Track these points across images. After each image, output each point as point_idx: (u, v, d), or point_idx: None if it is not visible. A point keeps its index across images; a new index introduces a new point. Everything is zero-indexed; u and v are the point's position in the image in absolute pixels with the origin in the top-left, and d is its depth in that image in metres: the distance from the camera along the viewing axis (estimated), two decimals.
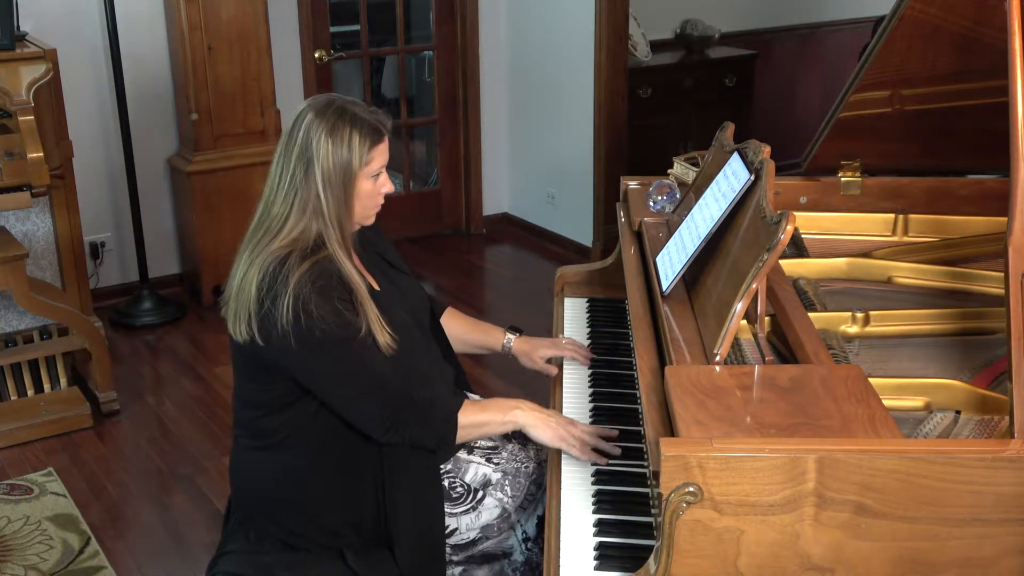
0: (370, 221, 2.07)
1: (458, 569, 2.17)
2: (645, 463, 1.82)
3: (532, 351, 2.36)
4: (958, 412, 1.76)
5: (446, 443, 2.03)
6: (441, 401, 2.04)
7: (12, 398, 3.66)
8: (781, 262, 2.21)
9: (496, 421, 2.03)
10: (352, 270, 1.96)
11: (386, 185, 2.03)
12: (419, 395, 2.01)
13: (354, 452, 2.02)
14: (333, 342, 1.90)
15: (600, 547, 1.70)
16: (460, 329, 2.40)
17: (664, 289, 2.00)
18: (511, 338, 2.39)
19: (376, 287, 2.08)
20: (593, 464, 1.93)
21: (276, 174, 1.98)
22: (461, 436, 2.02)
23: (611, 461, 1.93)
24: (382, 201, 2.06)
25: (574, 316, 2.57)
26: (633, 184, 2.65)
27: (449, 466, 2.14)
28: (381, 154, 1.99)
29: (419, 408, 1.99)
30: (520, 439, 2.26)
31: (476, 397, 2.39)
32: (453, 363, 2.34)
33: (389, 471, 2.03)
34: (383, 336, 1.96)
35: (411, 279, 2.26)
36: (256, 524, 2.09)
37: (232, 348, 2.05)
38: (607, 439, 1.96)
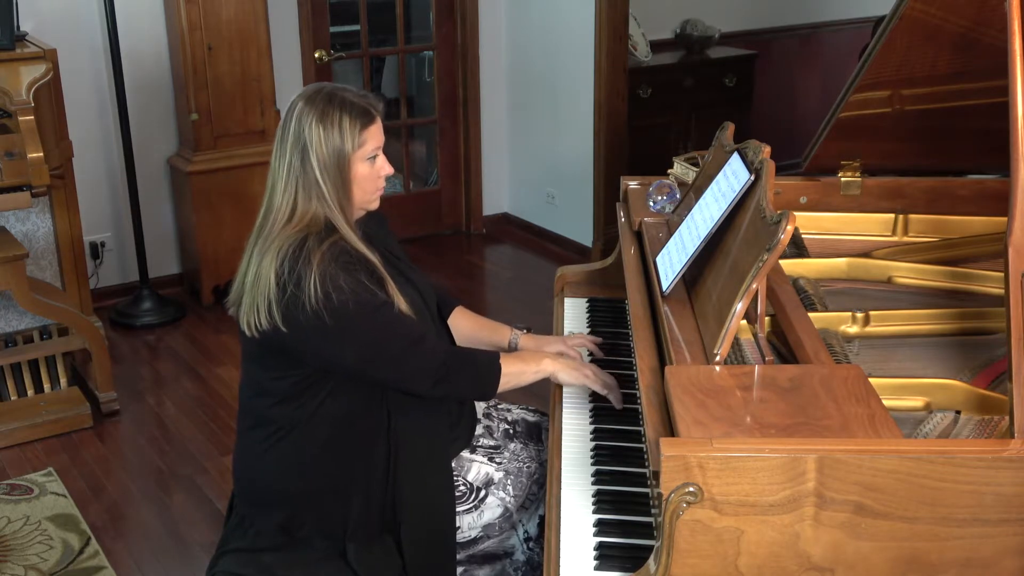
0: (374, 205, 2.08)
1: (459, 568, 2.17)
2: (645, 463, 1.82)
3: (538, 348, 2.36)
4: (958, 412, 1.76)
5: (490, 391, 2.09)
6: (481, 352, 2.12)
7: (12, 398, 3.66)
8: (781, 262, 2.21)
9: (530, 370, 2.12)
10: (364, 248, 1.99)
11: (385, 167, 2.04)
12: (459, 350, 2.10)
13: (364, 441, 2.03)
14: (370, 310, 1.93)
15: (600, 547, 1.70)
16: (468, 328, 2.41)
17: (664, 289, 2.00)
18: (517, 335, 2.39)
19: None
20: (593, 464, 1.93)
21: (275, 166, 2.01)
22: (503, 384, 2.08)
23: (611, 462, 1.93)
24: (383, 184, 2.07)
25: (574, 316, 2.57)
26: (633, 184, 2.65)
27: (452, 464, 2.15)
28: (374, 136, 2.00)
29: (463, 357, 2.07)
30: (522, 439, 2.26)
31: None
32: None
33: (398, 460, 2.04)
34: (403, 305, 1.99)
35: (422, 274, 2.27)
36: (258, 521, 2.09)
37: (243, 340, 2.05)
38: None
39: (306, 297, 1.88)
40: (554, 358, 2.14)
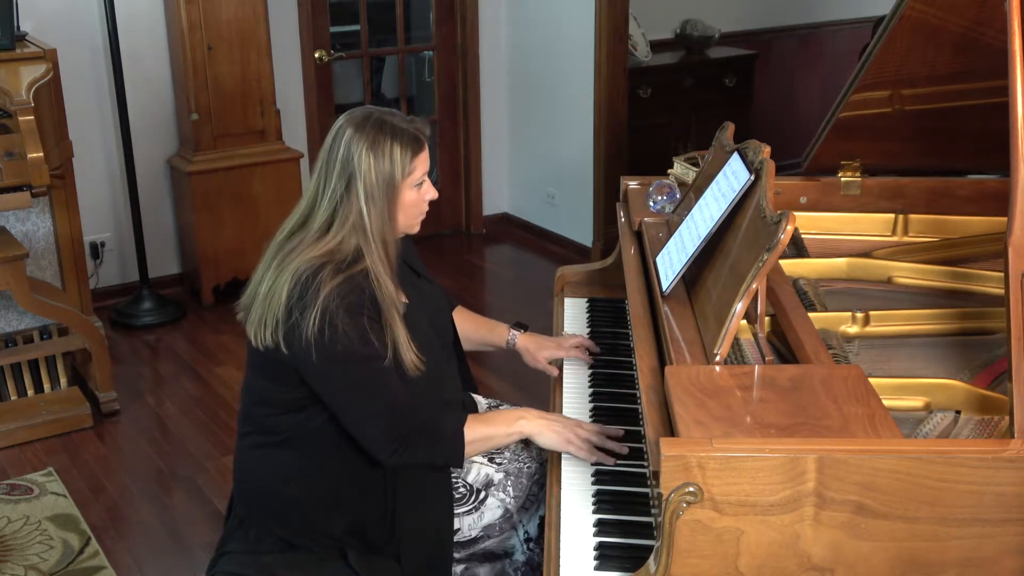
0: (415, 230, 2.07)
1: (460, 567, 2.17)
2: (645, 463, 1.82)
3: (536, 351, 2.36)
4: (958, 412, 1.76)
5: (453, 462, 2.03)
6: (449, 421, 2.03)
7: (12, 398, 3.66)
8: (781, 262, 2.21)
9: (502, 433, 2.03)
10: (390, 286, 1.95)
11: (430, 192, 2.03)
12: (427, 418, 2.00)
13: (363, 458, 2.00)
14: (352, 360, 1.90)
15: (600, 547, 1.70)
16: (466, 326, 2.40)
17: (664, 289, 2.00)
18: (515, 334, 2.38)
19: (405, 299, 2.08)
20: (594, 464, 1.93)
21: (316, 189, 1.98)
22: (468, 452, 2.01)
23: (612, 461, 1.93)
24: (426, 209, 2.05)
25: (574, 316, 2.57)
26: (633, 184, 2.65)
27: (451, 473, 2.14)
28: (423, 163, 1.99)
29: (426, 431, 1.98)
30: (522, 440, 2.25)
31: (480, 399, 2.39)
32: (464, 370, 2.35)
33: (398, 478, 2.02)
34: (409, 355, 1.95)
35: (434, 287, 2.25)
36: (257, 523, 2.09)
37: (249, 348, 2.03)
38: (613, 438, 1.97)
39: (306, 327, 1.87)
40: (533, 419, 2.02)
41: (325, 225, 1.95)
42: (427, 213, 2.07)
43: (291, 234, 1.99)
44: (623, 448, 1.94)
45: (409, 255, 2.20)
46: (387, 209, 1.95)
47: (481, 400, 2.39)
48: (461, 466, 2.08)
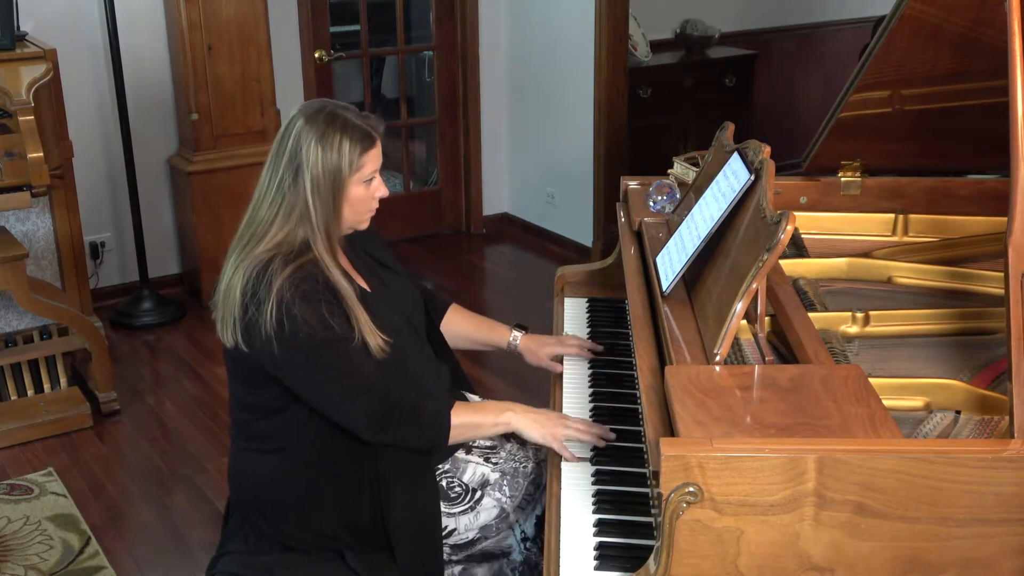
0: (364, 226, 2.06)
1: (457, 568, 2.17)
2: (645, 463, 1.82)
3: (538, 349, 2.35)
4: (958, 412, 1.76)
5: (438, 444, 2.02)
6: (432, 402, 2.03)
7: (12, 398, 3.66)
8: (781, 262, 2.21)
9: (488, 423, 2.04)
10: (339, 274, 1.95)
11: (380, 190, 2.02)
12: (409, 396, 1.99)
13: (349, 455, 2.01)
14: (317, 345, 1.89)
15: (600, 547, 1.70)
16: (465, 326, 2.40)
17: (664, 289, 2.00)
18: (517, 335, 2.38)
19: (367, 288, 2.08)
20: (593, 464, 1.93)
21: (265, 179, 1.98)
22: (453, 437, 2.01)
23: (611, 462, 1.93)
24: (376, 206, 2.04)
25: (574, 316, 2.57)
26: (633, 184, 2.65)
27: (447, 466, 2.14)
28: (373, 160, 1.98)
29: (409, 409, 1.98)
30: (518, 439, 2.25)
31: (476, 397, 2.39)
32: (449, 363, 2.34)
33: (384, 474, 2.02)
34: (374, 339, 1.95)
35: (404, 280, 2.24)
36: (255, 524, 2.09)
37: (224, 351, 2.04)
38: (604, 438, 1.98)
39: (264, 322, 1.87)
40: (520, 412, 2.03)
41: (271, 217, 1.95)
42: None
43: (245, 228, 2.00)
44: (610, 433, 1.97)
45: (374, 248, 2.19)
46: (332, 202, 1.94)
47: (475, 399, 2.39)
48: (445, 449, 2.06)
